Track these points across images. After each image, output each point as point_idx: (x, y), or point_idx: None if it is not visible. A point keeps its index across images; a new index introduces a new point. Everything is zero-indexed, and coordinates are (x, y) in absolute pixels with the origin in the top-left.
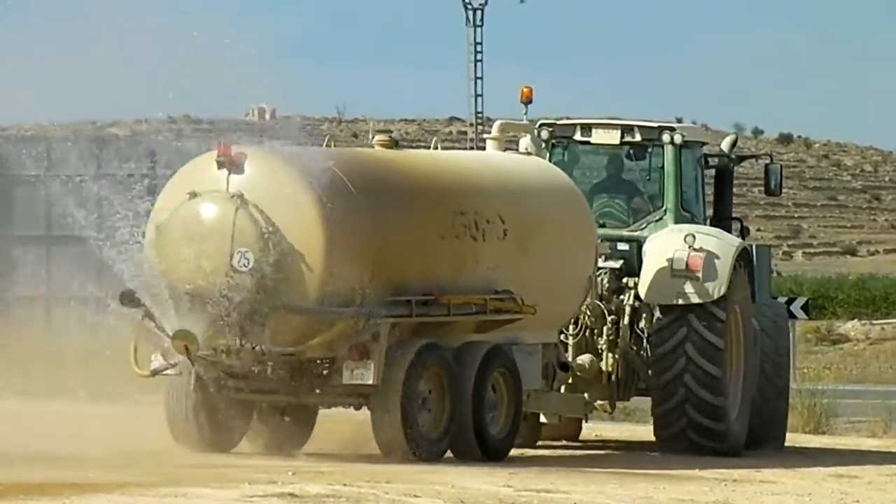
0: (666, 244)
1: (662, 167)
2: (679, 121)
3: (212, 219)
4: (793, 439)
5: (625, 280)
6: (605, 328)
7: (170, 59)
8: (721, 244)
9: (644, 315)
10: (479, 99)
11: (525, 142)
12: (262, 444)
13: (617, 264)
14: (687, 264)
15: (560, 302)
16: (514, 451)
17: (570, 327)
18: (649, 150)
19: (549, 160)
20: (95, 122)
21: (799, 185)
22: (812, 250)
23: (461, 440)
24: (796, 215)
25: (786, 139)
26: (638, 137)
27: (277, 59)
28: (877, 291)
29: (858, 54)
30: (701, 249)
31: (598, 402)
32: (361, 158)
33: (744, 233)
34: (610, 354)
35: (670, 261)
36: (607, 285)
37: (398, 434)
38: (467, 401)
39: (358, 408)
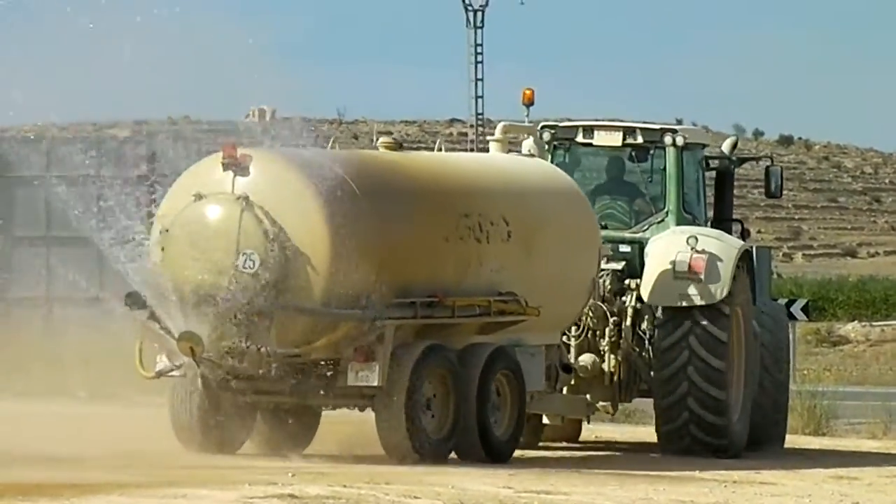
0: (668, 246)
1: (664, 169)
2: (679, 122)
3: (217, 220)
4: (793, 441)
5: (627, 282)
6: (607, 330)
7: (170, 60)
8: (723, 246)
9: (646, 317)
10: (480, 100)
11: (528, 144)
12: (265, 445)
13: (619, 266)
14: (689, 266)
15: (564, 304)
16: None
17: (573, 329)
18: (651, 151)
19: (551, 162)
20: (95, 123)
21: (799, 186)
22: (812, 252)
23: (465, 441)
24: (796, 217)
25: (786, 141)
26: (640, 139)
27: (278, 61)
28: (877, 293)
29: (858, 56)
30: (703, 251)
31: (601, 403)
32: (366, 160)
33: (744, 234)
34: (612, 356)
35: (673, 263)
36: (609, 287)
37: (403, 435)
38: (471, 402)
39: (362, 409)
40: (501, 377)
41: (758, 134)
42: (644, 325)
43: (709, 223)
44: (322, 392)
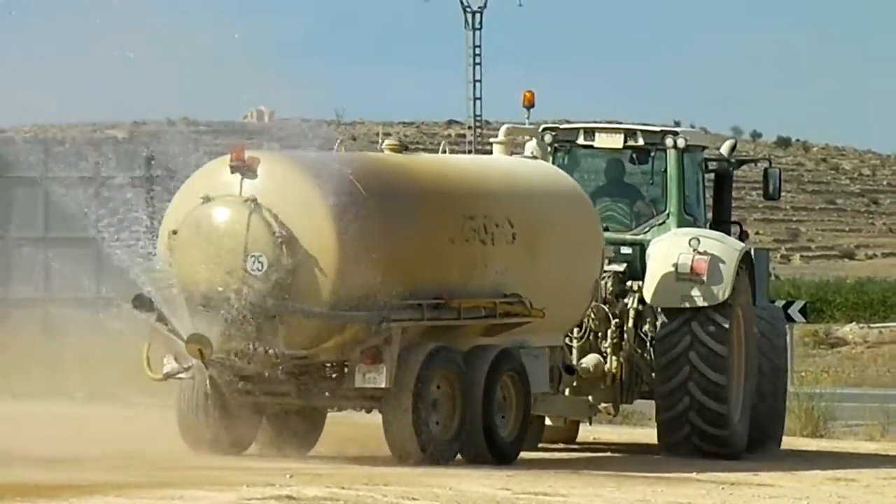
0: (670, 248)
1: (665, 171)
2: (677, 124)
3: (225, 223)
4: (790, 442)
5: (628, 283)
6: (608, 331)
7: (168, 61)
8: (725, 248)
9: (648, 318)
10: (478, 102)
11: (531, 146)
12: (271, 446)
13: (620, 268)
14: (692, 268)
15: (567, 305)
16: None
17: (575, 330)
18: (652, 154)
19: (552, 164)
20: (94, 124)
21: (797, 188)
22: (810, 254)
23: (471, 443)
24: (794, 219)
25: (784, 142)
26: (641, 141)
27: (276, 62)
28: (875, 295)
29: (857, 57)
30: (705, 253)
31: (602, 404)
32: (372, 163)
33: (743, 236)
34: (614, 357)
35: (675, 264)
36: (611, 289)
37: (409, 437)
38: (477, 404)
39: (368, 411)
40: (507, 379)
41: (756, 135)
42: (646, 327)
43: (708, 225)
44: (329, 394)
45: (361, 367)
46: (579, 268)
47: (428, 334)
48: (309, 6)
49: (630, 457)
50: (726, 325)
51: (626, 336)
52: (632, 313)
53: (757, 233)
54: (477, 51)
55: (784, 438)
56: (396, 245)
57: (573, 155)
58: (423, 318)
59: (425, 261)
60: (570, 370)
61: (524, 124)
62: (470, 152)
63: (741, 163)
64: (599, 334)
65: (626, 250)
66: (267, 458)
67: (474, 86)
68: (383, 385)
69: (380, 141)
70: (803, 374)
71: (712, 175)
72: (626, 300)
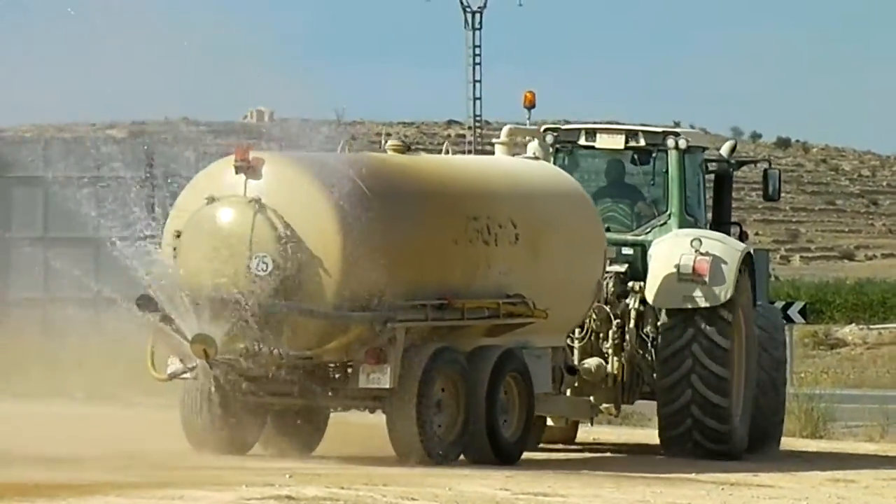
0: (672, 248)
1: (666, 172)
2: (677, 124)
3: (230, 223)
4: (790, 443)
5: (630, 284)
6: (610, 332)
7: (168, 60)
8: (727, 249)
9: (649, 319)
10: (478, 102)
11: (533, 146)
12: (275, 446)
13: (622, 268)
14: (694, 269)
15: (570, 306)
16: None
17: (577, 331)
18: (653, 154)
19: (553, 164)
20: (94, 124)
21: (797, 189)
22: (810, 254)
23: (474, 443)
24: (794, 219)
25: (784, 143)
26: (642, 142)
27: (276, 62)
28: (874, 296)
29: (857, 58)
30: (707, 254)
31: (604, 405)
32: (376, 163)
33: (742, 237)
34: (615, 358)
35: (677, 265)
36: (612, 289)
37: (414, 437)
38: (481, 404)
39: (372, 411)
40: (510, 379)
41: (755, 136)
42: (647, 328)
43: (708, 226)
44: (333, 394)
45: (365, 368)
46: (582, 268)
47: (431, 335)
48: (309, 6)
49: (629, 457)
50: (730, 319)
51: (627, 337)
52: (633, 314)
53: (756, 233)
54: (477, 51)
55: (783, 439)
56: (400, 245)
57: (574, 155)
58: (427, 319)
59: (429, 261)
60: (572, 371)
61: (525, 125)
62: (470, 152)
63: (741, 164)
64: (601, 335)
65: (627, 251)
66: (266, 457)
67: (474, 86)
68: (387, 385)
69: (382, 141)
70: (803, 375)
71: (712, 176)
72: (627, 301)
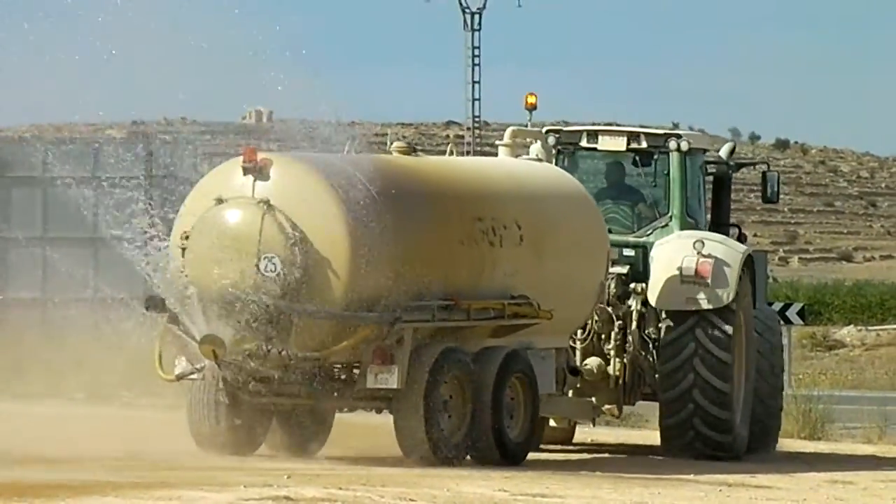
0: (674, 250)
1: (668, 174)
2: (676, 125)
3: (238, 225)
4: (788, 445)
5: (631, 285)
6: (612, 333)
7: (168, 61)
8: (729, 251)
9: (651, 320)
10: (477, 103)
11: (535, 148)
12: (281, 447)
13: (623, 270)
14: (696, 271)
15: (574, 307)
16: None
17: (579, 332)
18: (655, 156)
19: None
20: (94, 124)
21: (795, 190)
22: (808, 256)
23: (480, 444)
24: (792, 221)
25: (782, 145)
26: (644, 144)
27: (275, 62)
28: (873, 297)
29: (855, 59)
30: (710, 256)
31: (606, 406)
32: (383, 165)
33: (741, 239)
34: (617, 359)
35: (679, 267)
36: (614, 291)
37: (421, 437)
38: (486, 405)
39: (379, 412)
40: (515, 380)
41: (754, 138)
42: (649, 329)
43: (707, 228)
44: (340, 395)
45: (373, 368)
46: (585, 269)
47: (437, 336)
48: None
49: (627, 458)
50: (730, 332)
51: (629, 338)
52: (635, 315)
53: (755, 235)
54: (476, 52)
55: (782, 440)
56: (408, 246)
57: (576, 157)
58: (434, 319)
59: (435, 262)
60: (575, 371)
61: (526, 126)
62: (468, 153)
63: (740, 166)
64: (603, 336)
65: (628, 252)
66: (266, 458)
67: (473, 87)
68: (395, 386)
69: (388, 142)
70: (801, 376)
71: (711, 178)
72: (629, 302)
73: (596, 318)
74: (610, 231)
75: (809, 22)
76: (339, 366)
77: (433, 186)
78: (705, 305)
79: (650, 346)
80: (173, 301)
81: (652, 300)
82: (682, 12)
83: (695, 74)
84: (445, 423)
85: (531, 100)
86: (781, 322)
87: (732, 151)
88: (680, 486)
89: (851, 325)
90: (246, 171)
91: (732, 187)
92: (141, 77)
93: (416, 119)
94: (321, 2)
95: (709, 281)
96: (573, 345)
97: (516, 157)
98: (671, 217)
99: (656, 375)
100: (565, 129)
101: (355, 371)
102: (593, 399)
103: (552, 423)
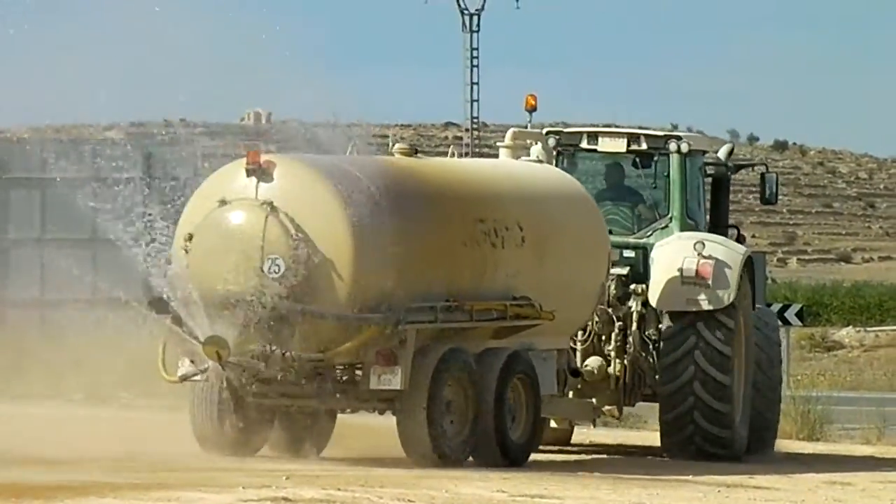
0: (675, 252)
1: (668, 175)
2: (675, 127)
3: (242, 226)
4: (787, 446)
5: (632, 287)
6: (612, 334)
7: (168, 61)
8: (729, 252)
9: (651, 321)
10: (475, 104)
11: (536, 149)
12: (283, 448)
13: (623, 271)
14: (697, 272)
15: (575, 308)
16: None
17: (579, 333)
18: (655, 158)
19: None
20: (92, 125)
21: (794, 192)
22: (807, 257)
23: (483, 445)
24: (791, 222)
25: (781, 146)
26: (644, 146)
27: (274, 64)
28: (871, 299)
29: (854, 61)
30: (710, 257)
31: (606, 407)
32: (385, 166)
33: (740, 240)
34: (617, 360)
35: (680, 269)
36: (614, 292)
37: (424, 438)
38: (489, 406)
39: (382, 413)
40: (518, 381)
41: (753, 139)
42: (649, 330)
43: (706, 229)
44: (343, 396)
45: (376, 369)
46: (586, 270)
47: (440, 337)
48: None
49: (626, 459)
50: (731, 325)
51: (629, 339)
52: (635, 316)
53: (753, 236)
54: (474, 53)
55: (780, 441)
56: (410, 248)
57: (576, 158)
58: (437, 321)
59: (438, 263)
60: (575, 373)
61: (526, 127)
62: (467, 154)
63: (738, 167)
64: (603, 337)
65: (628, 254)
66: (265, 459)
67: (471, 88)
68: (398, 387)
69: (389, 144)
70: (800, 377)
71: (709, 179)
72: (629, 303)
73: (596, 319)
74: (610, 232)
75: (808, 23)
76: (342, 367)
77: (435, 188)
78: (706, 306)
79: (650, 346)
80: (177, 303)
81: (652, 301)
82: (681, 13)
83: (693, 76)
84: (448, 425)
85: (531, 101)
86: (780, 323)
87: (731, 153)
88: (678, 487)
89: (850, 327)
90: (249, 173)
91: (731, 188)
92: (141, 78)
93: (414, 120)
94: (321, 3)
95: (709, 282)
96: (574, 346)
97: (517, 158)
98: (671, 218)
99: (657, 376)
100: (565, 130)
101: (358, 372)
102: (594, 400)
103: (553, 424)
